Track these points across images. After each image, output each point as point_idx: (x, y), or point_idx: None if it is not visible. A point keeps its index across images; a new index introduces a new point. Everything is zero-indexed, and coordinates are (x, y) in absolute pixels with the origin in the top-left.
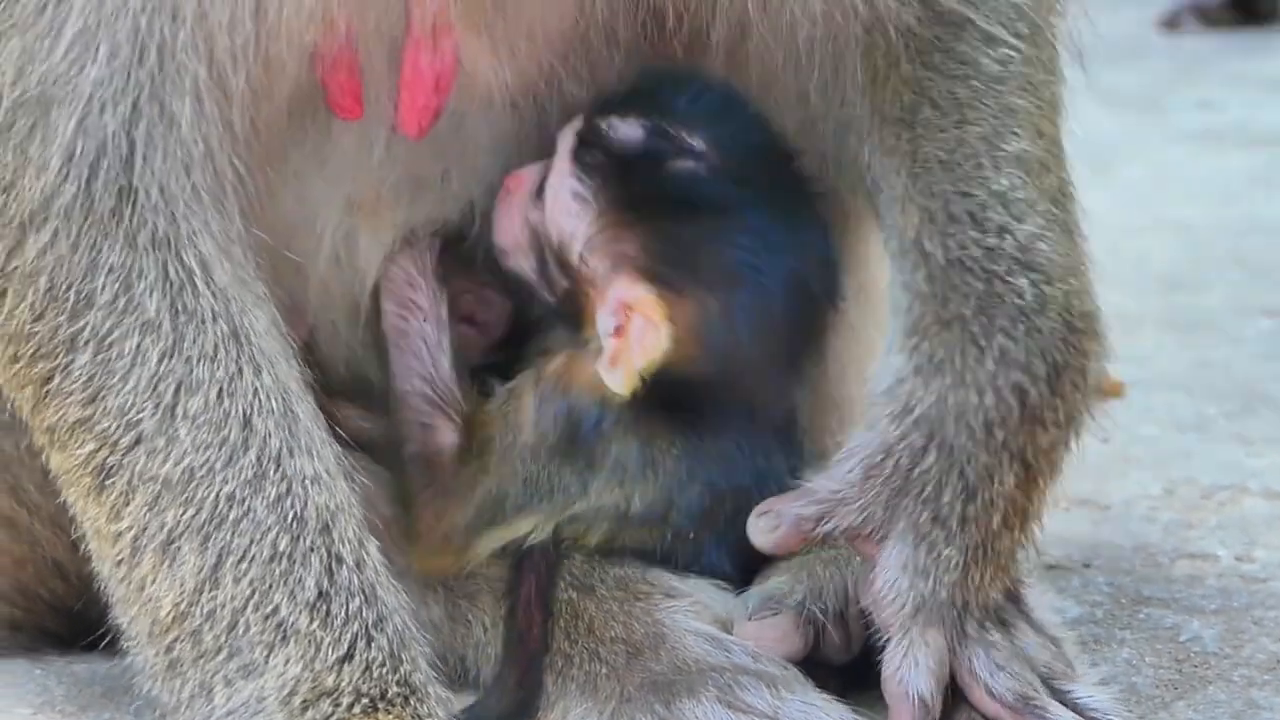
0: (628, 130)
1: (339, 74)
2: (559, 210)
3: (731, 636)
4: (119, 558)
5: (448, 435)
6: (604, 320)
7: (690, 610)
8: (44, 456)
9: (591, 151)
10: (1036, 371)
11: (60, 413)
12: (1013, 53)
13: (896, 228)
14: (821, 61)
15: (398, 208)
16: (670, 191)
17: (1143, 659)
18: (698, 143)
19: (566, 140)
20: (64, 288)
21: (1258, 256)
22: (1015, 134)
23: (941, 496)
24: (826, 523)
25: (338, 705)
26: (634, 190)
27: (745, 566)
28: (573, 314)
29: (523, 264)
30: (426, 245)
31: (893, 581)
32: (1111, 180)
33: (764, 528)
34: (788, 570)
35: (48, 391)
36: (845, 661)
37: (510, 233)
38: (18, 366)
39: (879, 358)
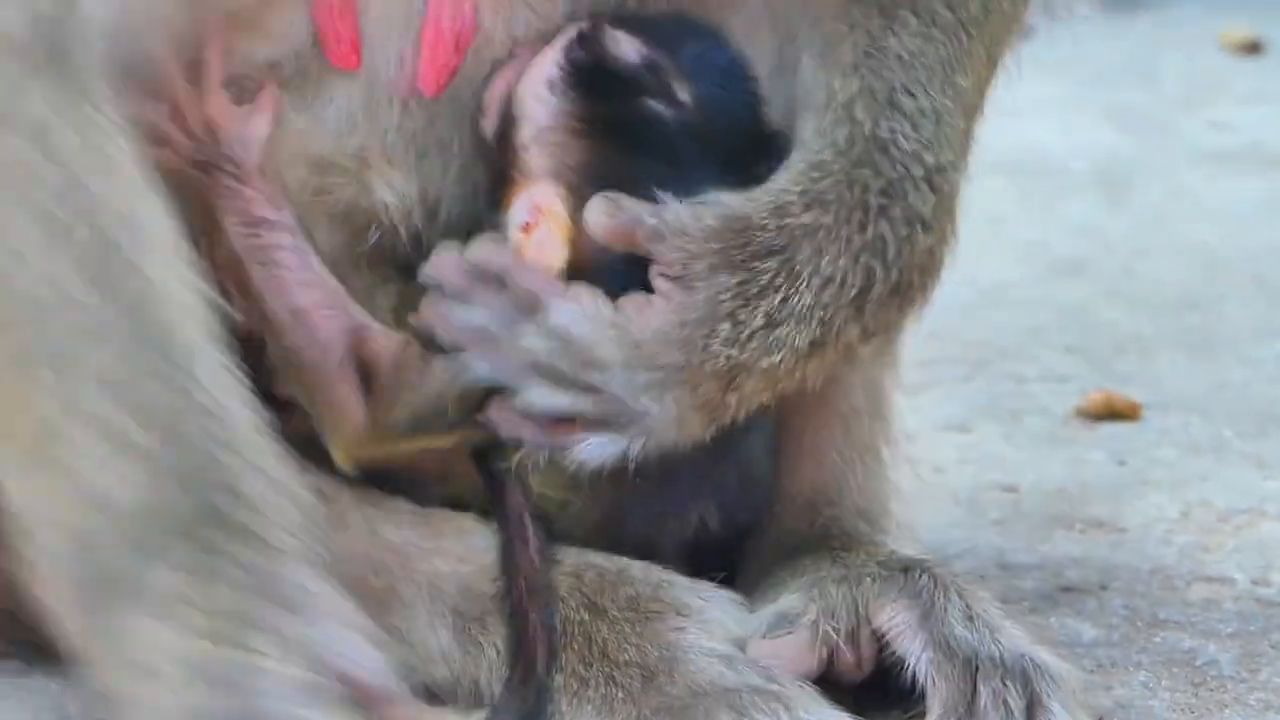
0: (625, 48)
1: (337, 18)
2: (528, 89)
3: (745, 655)
4: None
5: (384, 339)
6: (516, 211)
7: (703, 629)
8: None
9: (582, 51)
10: (891, 274)
11: None
12: (996, 15)
13: (827, 89)
14: None
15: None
16: (633, 125)
17: (1159, 682)
18: (684, 95)
19: (569, 31)
20: None
21: (1274, 279)
22: (965, 75)
23: (756, 303)
24: (655, 242)
25: None
26: (600, 106)
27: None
28: (500, 192)
29: (486, 126)
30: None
31: (661, 321)
32: (1126, 202)
33: (601, 209)
34: (799, 589)
35: None
36: (857, 681)
37: (493, 90)
38: None
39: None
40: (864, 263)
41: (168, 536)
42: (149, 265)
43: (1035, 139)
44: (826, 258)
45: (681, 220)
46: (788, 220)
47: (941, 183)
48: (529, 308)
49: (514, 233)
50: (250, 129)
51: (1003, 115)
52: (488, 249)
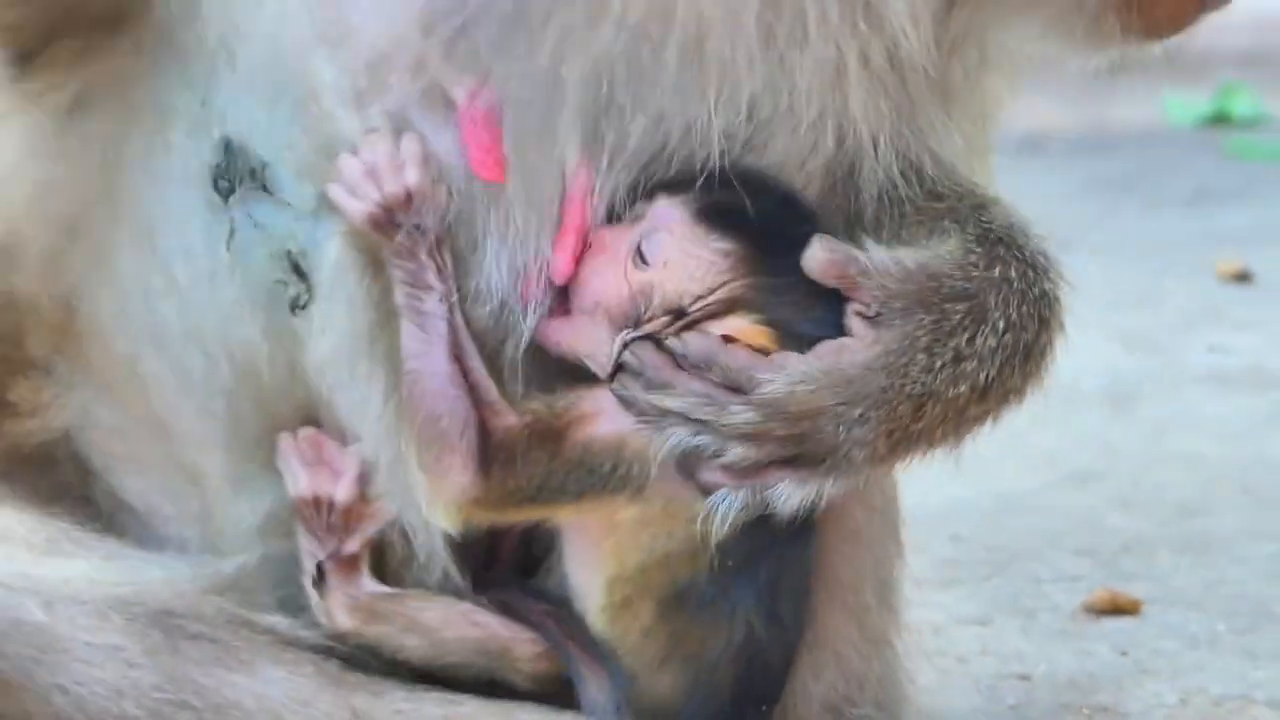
0: (765, 202)
1: (481, 132)
2: (690, 264)
3: None
4: None
5: (509, 416)
6: (690, 340)
7: None
8: None
9: (725, 213)
10: (1042, 339)
11: None
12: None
13: (935, 210)
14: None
15: None
16: (795, 247)
17: None
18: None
19: (677, 209)
20: None
21: (1264, 488)
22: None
23: (947, 340)
24: (863, 278)
25: None
26: (768, 244)
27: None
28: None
29: (595, 324)
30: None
31: (869, 360)
32: (1132, 417)
33: (822, 247)
34: None
35: None
36: None
37: (604, 288)
38: None
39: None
40: (1040, 311)
41: None
42: None
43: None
44: (1011, 305)
45: (885, 263)
46: (974, 273)
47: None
48: (739, 387)
49: (702, 339)
50: (440, 202)
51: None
52: (693, 340)
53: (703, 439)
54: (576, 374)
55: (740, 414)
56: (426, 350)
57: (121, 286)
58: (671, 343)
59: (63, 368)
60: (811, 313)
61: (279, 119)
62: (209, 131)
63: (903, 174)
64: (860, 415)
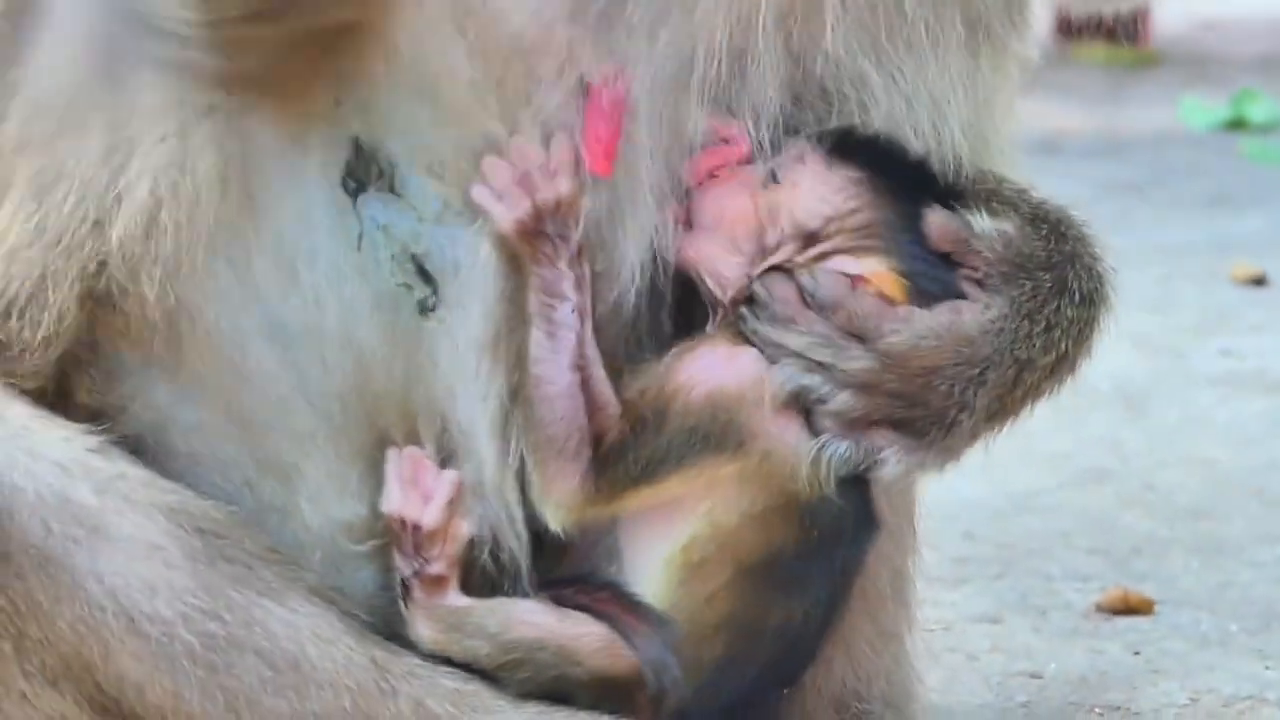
0: (889, 145)
1: (603, 127)
2: (820, 189)
3: None
4: None
5: (613, 421)
6: (824, 278)
7: None
8: None
9: (860, 153)
10: (1098, 314)
11: None
12: None
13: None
14: None
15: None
16: (917, 194)
17: None
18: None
19: (815, 145)
20: None
21: (1276, 492)
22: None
23: (1041, 309)
24: (976, 243)
25: None
26: (901, 189)
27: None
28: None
29: (719, 251)
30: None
31: (982, 319)
32: (1144, 419)
33: (939, 218)
34: None
35: None
36: None
37: (733, 210)
38: None
39: None
40: (1100, 290)
41: None
42: None
43: None
44: (1084, 279)
45: (990, 230)
46: (1052, 246)
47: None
48: (863, 333)
49: (834, 279)
50: (580, 211)
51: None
52: (825, 278)
53: (815, 380)
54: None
55: (859, 360)
56: (552, 358)
57: (242, 284)
58: (804, 279)
59: (140, 366)
60: (935, 270)
61: (411, 117)
62: (340, 130)
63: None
64: (976, 376)
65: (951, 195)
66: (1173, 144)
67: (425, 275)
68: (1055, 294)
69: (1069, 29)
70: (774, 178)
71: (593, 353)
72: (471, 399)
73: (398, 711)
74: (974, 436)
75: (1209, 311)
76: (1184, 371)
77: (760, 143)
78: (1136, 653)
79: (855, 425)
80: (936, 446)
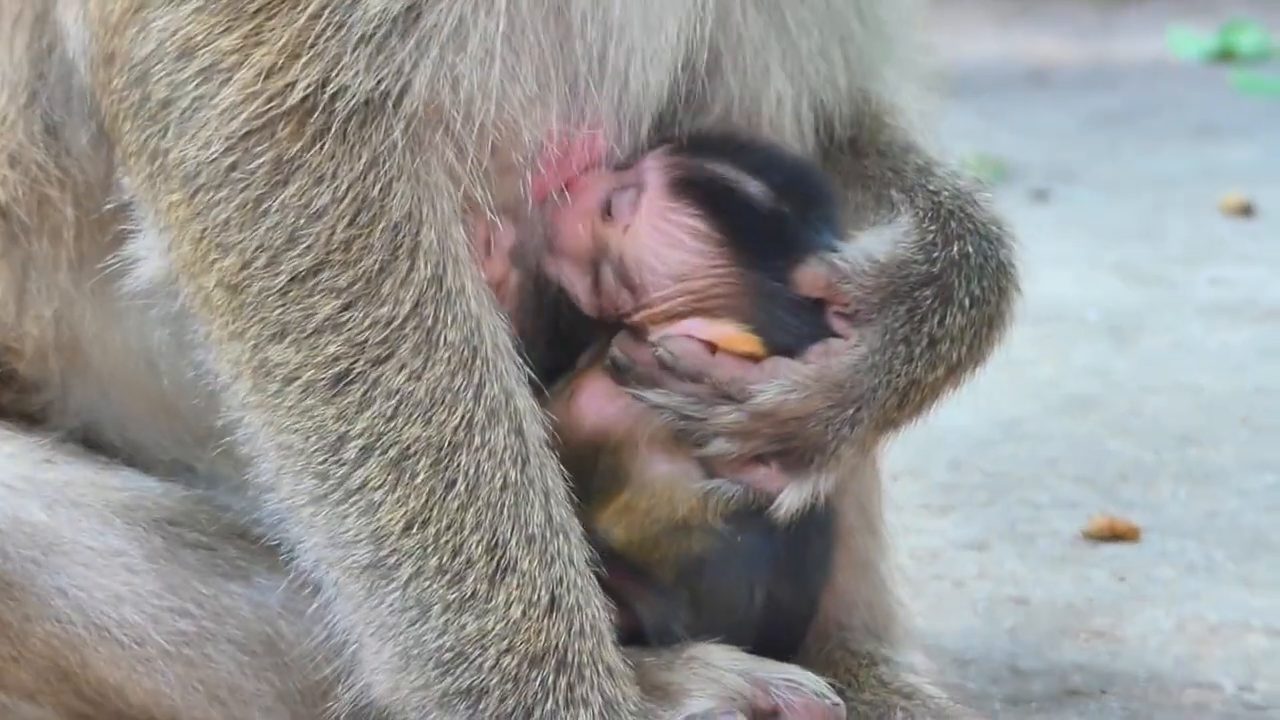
0: (751, 185)
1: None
2: (661, 240)
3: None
4: (340, 458)
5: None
6: (676, 343)
7: (691, 709)
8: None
9: (705, 193)
10: (1008, 300)
11: (307, 311)
12: None
13: (881, 173)
14: None
15: None
16: (772, 243)
17: None
18: (798, 205)
19: (661, 172)
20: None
21: (1264, 419)
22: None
23: (920, 327)
24: (842, 283)
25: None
26: (753, 242)
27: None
28: (610, 327)
29: (571, 272)
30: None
31: (855, 362)
32: (1133, 348)
33: (806, 266)
34: None
35: (301, 286)
36: None
37: (573, 238)
38: (277, 254)
39: (877, 226)
40: (1000, 283)
41: None
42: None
43: (1053, 290)
44: (973, 281)
45: (858, 261)
46: (935, 254)
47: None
48: (729, 396)
49: (689, 344)
50: (512, 289)
51: (1024, 267)
52: (680, 350)
53: (690, 428)
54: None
55: (729, 415)
56: (583, 396)
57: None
58: (661, 352)
59: (49, 378)
60: (797, 315)
61: None
62: None
63: (844, 121)
64: (851, 416)
65: (818, 204)
66: (1161, 75)
67: None
68: (939, 307)
69: None
70: (608, 211)
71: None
72: None
73: None
74: (865, 451)
75: (1197, 241)
76: (1172, 300)
77: (621, 142)
78: (1122, 579)
79: (736, 466)
80: (824, 470)
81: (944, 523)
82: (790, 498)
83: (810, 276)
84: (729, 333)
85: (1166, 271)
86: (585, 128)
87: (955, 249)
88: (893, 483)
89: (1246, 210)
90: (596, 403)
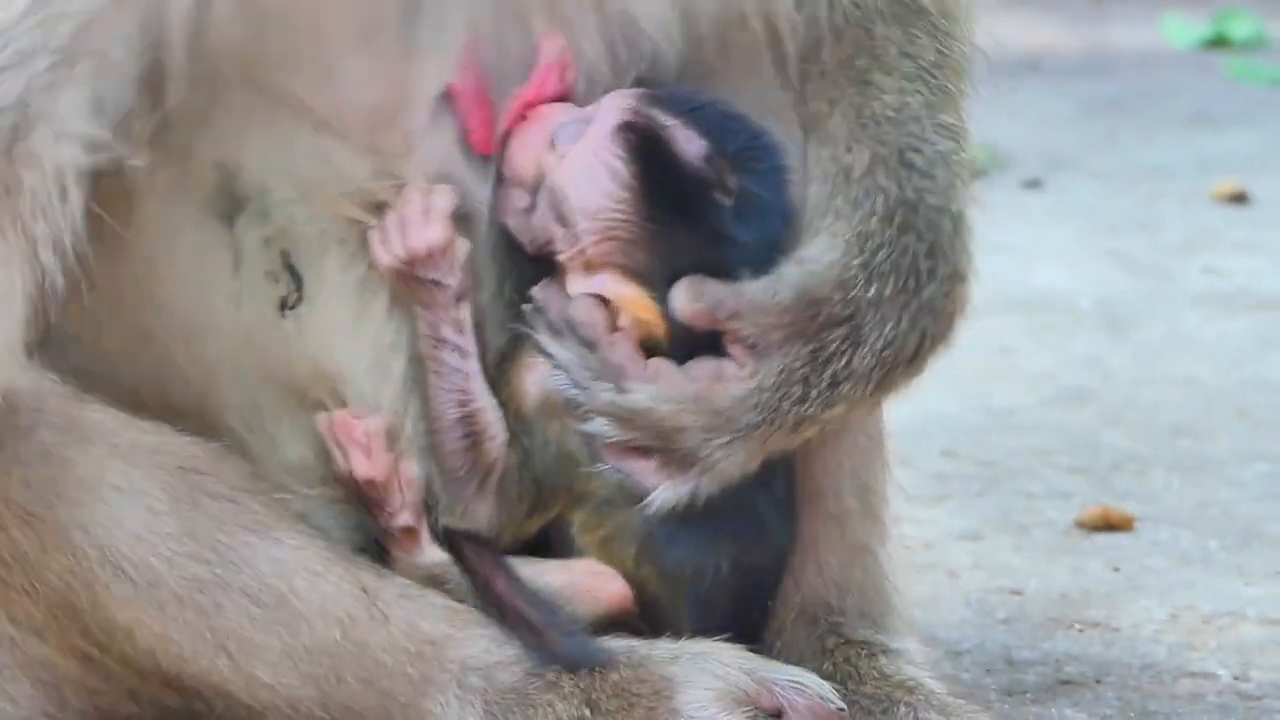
0: (689, 144)
1: (475, 112)
2: (584, 174)
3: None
4: None
5: (500, 451)
6: (579, 304)
7: (695, 704)
8: None
9: (640, 139)
10: (940, 327)
11: None
12: (951, 48)
13: (838, 162)
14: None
15: None
16: (696, 218)
17: None
18: (736, 182)
19: (613, 111)
20: None
21: (1259, 410)
22: (946, 109)
23: (823, 369)
24: (735, 320)
25: None
26: (665, 200)
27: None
28: (539, 263)
29: (513, 197)
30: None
31: (740, 390)
32: (1127, 338)
33: (688, 295)
34: None
35: None
36: None
37: (519, 164)
38: None
39: (814, 242)
40: (920, 323)
41: None
42: None
43: (1046, 279)
44: (889, 324)
45: (758, 298)
46: (853, 292)
47: (966, 231)
48: (613, 376)
49: (590, 309)
50: (460, 259)
51: (1017, 257)
52: (581, 311)
53: (577, 397)
54: None
55: (603, 398)
56: (439, 395)
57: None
58: (570, 310)
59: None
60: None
61: (284, 146)
62: (210, 160)
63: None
64: (726, 442)
65: (744, 208)
66: (1155, 63)
67: (295, 275)
68: (847, 349)
69: None
70: (553, 142)
71: (477, 387)
72: (367, 376)
73: (390, 637)
74: (747, 467)
75: (1191, 230)
76: (1166, 290)
77: (591, 72)
78: (1117, 569)
79: (614, 452)
80: (701, 481)
81: (937, 512)
82: (662, 496)
83: (689, 310)
84: (631, 295)
85: (1161, 261)
86: (551, 58)
87: (874, 290)
88: None
89: (1241, 198)
90: (534, 371)
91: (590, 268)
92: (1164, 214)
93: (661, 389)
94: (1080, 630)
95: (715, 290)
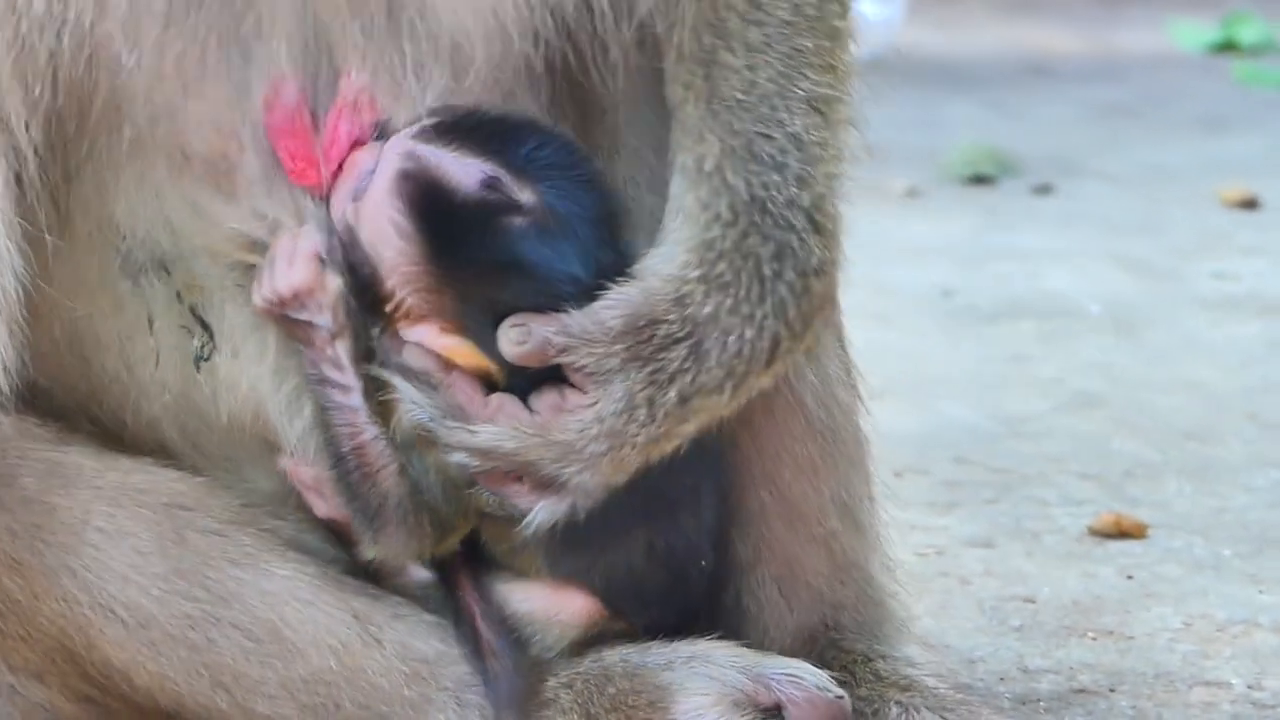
0: (462, 173)
1: (292, 142)
2: (376, 232)
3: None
4: None
5: (390, 476)
6: (410, 352)
7: (692, 710)
8: None
9: (417, 183)
10: (795, 327)
11: None
12: (806, 9)
13: (693, 154)
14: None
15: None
16: (493, 251)
17: None
18: (528, 196)
19: (391, 159)
20: None
21: (1271, 414)
22: (804, 74)
23: (667, 387)
24: (567, 355)
25: None
26: (456, 242)
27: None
28: (372, 311)
29: (342, 248)
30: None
31: (584, 425)
32: (1137, 343)
33: (514, 338)
34: None
35: None
36: None
37: (336, 217)
38: None
39: (659, 243)
40: (769, 329)
41: None
42: None
43: (1056, 285)
44: (732, 336)
45: (587, 329)
46: (689, 309)
47: (824, 219)
48: (459, 416)
49: (421, 356)
50: (330, 299)
51: (1028, 262)
52: (411, 355)
53: (435, 433)
54: None
55: (455, 435)
56: (331, 431)
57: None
58: (399, 344)
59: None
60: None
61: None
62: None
63: None
64: (577, 470)
65: (542, 224)
66: (1164, 66)
67: (205, 327)
68: (690, 366)
69: None
70: (354, 194)
71: (363, 420)
72: (284, 416)
73: (385, 660)
74: (612, 485)
75: (1200, 234)
76: (1176, 294)
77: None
78: (1130, 577)
79: (483, 479)
80: (572, 498)
81: (949, 519)
82: (540, 516)
83: (517, 353)
84: (451, 345)
85: (1170, 265)
86: (347, 91)
87: (712, 305)
88: (896, 479)
89: (1250, 203)
90: (403, 407)
91: (411, 318)
92: (1173, 218)
93: (504, 425)
94: (1094, 638)
95: (540, 329)
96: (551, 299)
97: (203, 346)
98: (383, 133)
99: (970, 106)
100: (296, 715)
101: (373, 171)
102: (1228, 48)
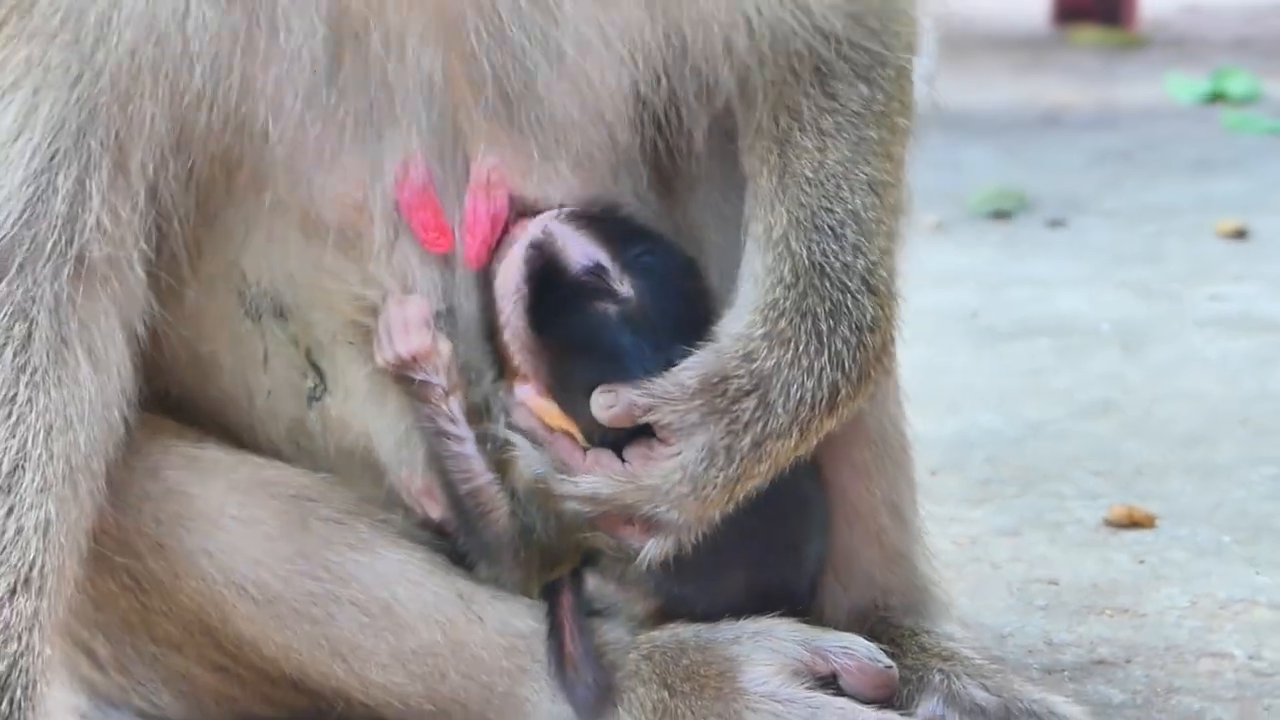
0: (578, 254)
1: (421, 211)
2: (503, 292)
3: (802, 693)
4: None
5: (502, 518)
6: (519, 412)
7: (757, 679)
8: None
9: (541, 253)
10: (852, 376)
11: None
12: (876, 94)
13: (764, 222)
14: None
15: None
16: (582, 329)
17: None
18: (626, 289)
19: (530, 231)
20: None
21: (1262, 420)
22: (867, 160)
23: (742, 435)
24: (652, 414)
25: None
26: (555, 314)
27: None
28: (494, 361)
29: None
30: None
31: (669, 471)
32: (1143, 358)
33: (603, 403)
34: None
35: None
36: None
37: (495, 279)
38: None
39: (732, 311)
40: (828, 378)
41: None
42: None
43: (1068, 307)
44: (794, 386)
45: (668, 390)
46: (756, 364)
47: (877, 282)
48: (563, 469)
49: (526, 415)
50: (443, 361)
51: (1043, 288)
52: (518, 413)
53: (548, 484)
54: None
55: (564, 486)
56: (449, 475)
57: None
58: (515, 414)
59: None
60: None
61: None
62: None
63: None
64: (666, 509)
65: (630, 314)
66: (1160, 116)
67: (318, 371)
68: (760, 414)
69: (1066, 15)
70: (499, 259)
71: (477, 467)
72: (394, 455)
73: (485, 635)
74: (704, 524)
75: (1197, 262)
76: (1177, 315)
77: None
78: (1141, 562)
79: (595, 521)
80: (675, 535)
81: (981, 512)
82: (650, 552)
83: (608, 416)
84: (543, 406)
85: (1170, 289)
86: (479, 172)
87: (774, 359)
88: (933, 478)
89: (1241, 234)
90: (519, 459)
91: (517, 376)
92: (1172, 249)
93: (600, 476)
94: (1111, 615)
95: (626, 395)
96: (623, 380)
97: (315, 388)
98: (517, 208)
99: (990, 151)
100: (407, 682)
101: (513, 241)
102: (1218, 99)
